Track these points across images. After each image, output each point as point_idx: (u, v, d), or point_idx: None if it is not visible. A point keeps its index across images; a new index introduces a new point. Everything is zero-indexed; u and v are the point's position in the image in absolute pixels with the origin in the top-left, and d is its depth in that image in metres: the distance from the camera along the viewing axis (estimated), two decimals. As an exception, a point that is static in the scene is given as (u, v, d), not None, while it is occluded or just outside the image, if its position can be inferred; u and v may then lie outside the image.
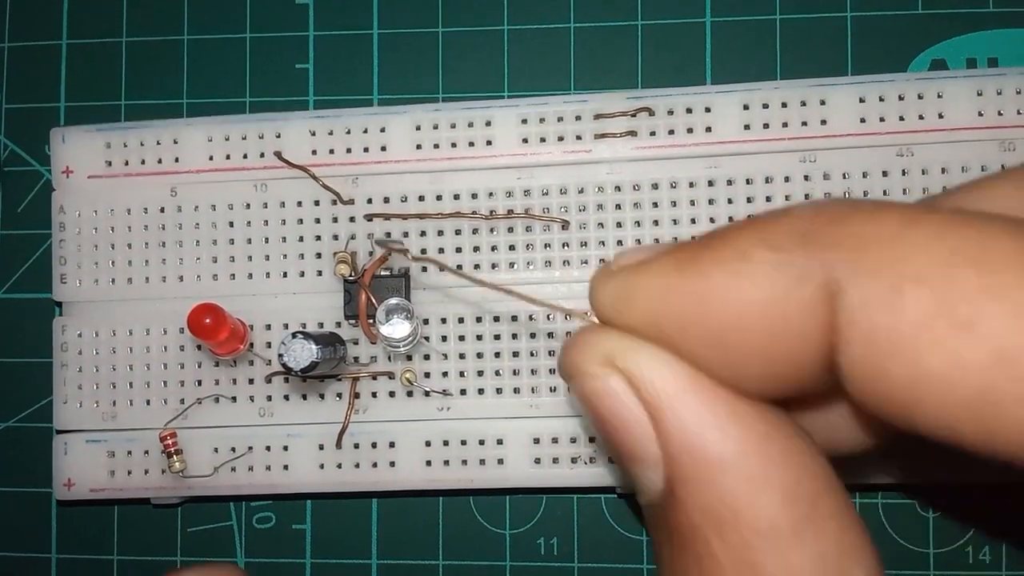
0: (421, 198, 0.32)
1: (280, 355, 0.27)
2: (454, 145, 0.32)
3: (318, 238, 0.32)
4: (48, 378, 0.34)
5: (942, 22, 0.34)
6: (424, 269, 0.32)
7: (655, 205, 0.31)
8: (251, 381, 0.32)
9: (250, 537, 0.35)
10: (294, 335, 0.27)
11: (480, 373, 0.32)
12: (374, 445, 0.32)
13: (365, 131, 0.32)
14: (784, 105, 0.31)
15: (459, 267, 0.32)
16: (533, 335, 0.32)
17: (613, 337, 0.20)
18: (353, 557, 0.35)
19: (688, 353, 0.19)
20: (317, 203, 0.32)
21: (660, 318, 0.19)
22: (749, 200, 0.31)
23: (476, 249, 0.32)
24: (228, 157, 0.33)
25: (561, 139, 0.32)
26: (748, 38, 0.35)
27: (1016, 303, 0.15)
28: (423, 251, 0.32)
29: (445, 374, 0.32)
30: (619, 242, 0.31)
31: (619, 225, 0.31)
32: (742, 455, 0.18)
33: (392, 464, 0.32)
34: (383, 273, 0.32)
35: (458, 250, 0.32)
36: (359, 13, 0.36)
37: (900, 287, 0.16)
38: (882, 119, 0.31)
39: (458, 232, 0.32)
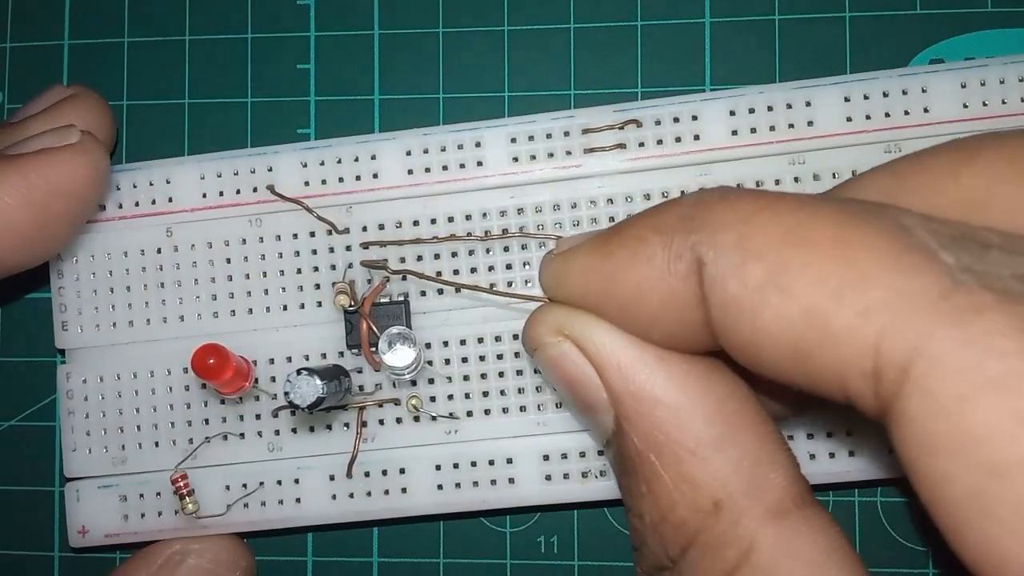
0: (416, 223, 0.32)
1: (286, 393, 0.27)
2: (445, 168, 0.32)
3: (316, 269, 0.32)
4: (50, 379, 0.34)
5: (941, 22, 0.34)
6: (423, 293, 0.32)
7: (649, 216, 0.32)
8: (258, 416, 0.32)
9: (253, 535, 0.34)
10: (299, 372, 0.27)
11: (485, 394, 0.32)
12: (384, 472, 0.32)
13: (356, 160, 0.32)
14: (770, 108, 0.31)
15: (457, 290, 0.32)
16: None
17: (560, 312, 0.24)
18: (355, 555, 0.35)
19: (609, 320, 0.23)
20: (313, 234, 0.32)
21: (586, 292, 0.24)
22: (742, 205, 0.31)
23: (473, 270, 0.32)
24: (221, 194, 0.33)
25: (551, 155, 0.32)
26: (747, 38, 0.35)
27: (821, 273, 0.19)
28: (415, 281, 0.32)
29: (451, 397, 0.32)
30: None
31: (614, 238, 0.31)
32: (667, 389, 0.23)
33: (404, 490, 0.32)
34: (382, 300, 0.32)
35: (455, 272, 0.32)
36: (360, 13, 0.36)
37: (744, 261, 0.20)
38: (868, 117, 0.31)
39: (454, 254, 0.32)
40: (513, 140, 0.32)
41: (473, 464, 0.32)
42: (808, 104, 0.31)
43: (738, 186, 0.31)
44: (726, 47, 0.35)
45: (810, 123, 0.31)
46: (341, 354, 0.32)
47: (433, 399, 0.32)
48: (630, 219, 0.23)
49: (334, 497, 0.32)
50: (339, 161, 0.32)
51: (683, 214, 0.21)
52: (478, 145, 0.32)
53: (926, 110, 0.31)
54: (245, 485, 0.32)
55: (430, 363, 0.32)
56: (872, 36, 0.34)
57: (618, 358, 0.23)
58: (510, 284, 0.32)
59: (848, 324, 0.18)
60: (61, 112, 0.32)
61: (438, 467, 0.32)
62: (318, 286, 0.32)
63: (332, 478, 0.32)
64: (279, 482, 0.32)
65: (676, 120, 0.32)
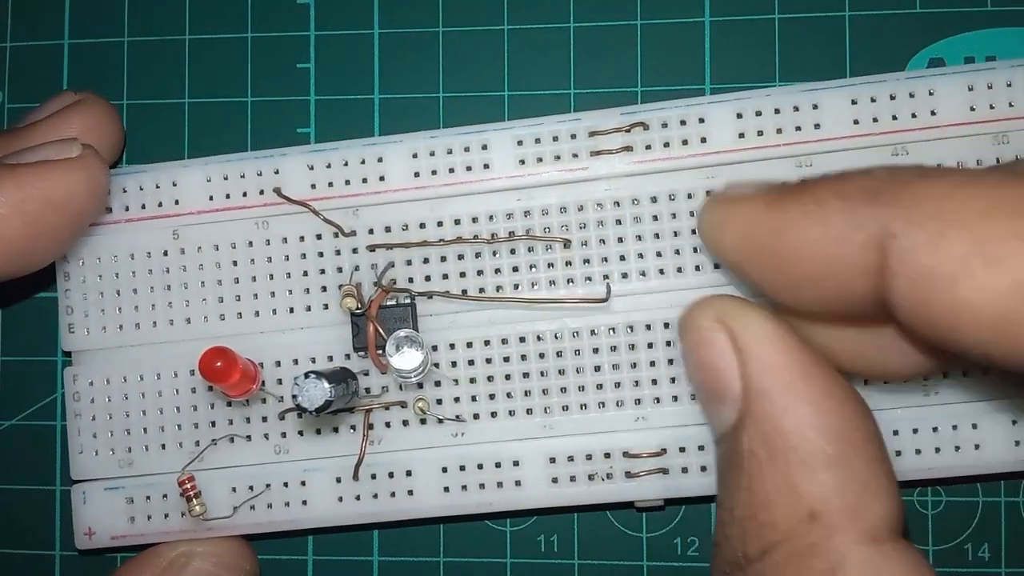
0: (422, 225, 0.32)
1: (294, 396, 0.27)
2: (452, 171, 0.32)
3: (322, 272, 0.32)
4: (52, 378, 0.34)
5: (940, 21, 0.34)
6: (429, 297, 0.32)
7: (655, 218, 0.32)
8: (264, 419, 0.32)
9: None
10: (306, 375, 0.27)
11: (492, 396, 0.32)
12: (391, 475, 0.32)
13: (363, 162, 0.32)
14: (777, 111, 0.31)
15: (464, 291, 0.32)
16: (542, 355, 0.32)
17: (727, 302, 0.26)
18: (355, 554, 0.35)
19: (760, 275, 0.24)
20: (319, 237, 0.32)
21: (747, 241, 0.24)
22: (748, 208, 0.31)
23: (480, 273, 0.32)
24: (228, 196, 0.33)
25: (558, 158, 0.32)
26: (747, 38, 0.35)
27: None
28: (427, 278, 0.32)
29: (457, 400, 0.32)
30: (621, 257, 0.31)
31: (620, 240, 0.32)
32: (802, 400, 0.23)
33: (410, 493, 0.32)
34: (389, 303, 0.32)
35: (462, 275, 0.32)
36: (360, 13, 0.36)
37: (944, 232, 0.19)
38: (875, 120, 0.31)
39: (461, 257, 0.32)
40: (519, 143, 0.32)
41: (480, 466, 0.32)
42: (815, 107, 0.31)
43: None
44: (726, 46, 0.35)
45: (817, 126, 0.31)
46: (348, 357, 0.32)
47: (440, 401, 0.32)
48: (807, 181, 0.24)
49: (340, 499, 0.32)
50: (345, 164, 0.32)
51: (871, 187, 0.22)
52: (484, 148, 0.32)
53: (933, 113, 0.31)
54: (252, 487, 0.32)
55: (437, 366, 0.32)
56: (872, 35, 0.34)
57: (768, 356, 0.24)
58: (516, 287, 0.32)
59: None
60: (67, 119, 0.32)
61: (444, 469, 0.32)
62: (324, 289, 0.32)
63: (339, 480, 0.32)
64: (285, 484, 0.32)
65: (683, 123, 0.32)
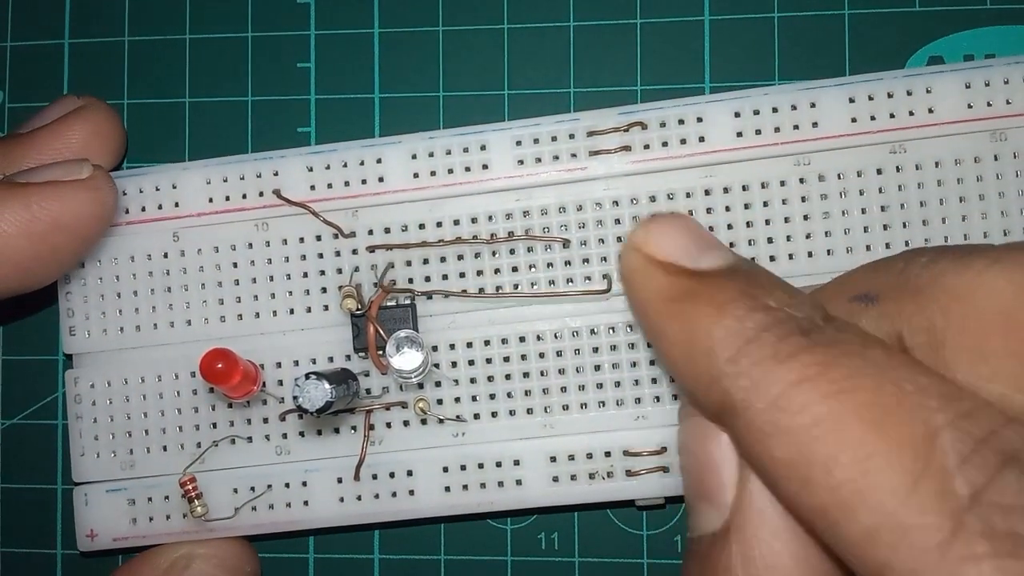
0: (421, 226, 0.32)
1: (295, 397, 0.27)
2: (451, 171, 0.32)
3: (322, 273, 0.32)
4: (52, 378, 0.34)
5: (940, 19, 0.34)
6: (429, 297, 0.32)
7: (654, 218, 0.32)
8: (265, 420, 0.32)
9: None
10: (307, 376, 0.27)
11: (492, 396, 0.32)
12: (392, 475, 0.32)
13: (362, 163, 0.32)
14: (775, 110, 0.31)
15: (464, 291, 0.32)
16: (542, 355, 0.32)
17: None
18: (356, 552, 0.35)
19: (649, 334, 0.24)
20: (319, 238, 0.32)
21: (643, 304, 0.24)
22: (747, 206, 0.31)
23: (479, 273, 0.32)
24: (228, 198, 0.33)
25: (556, 158, 0.32)
26: (747, 36, 0.35)
27: (842, 465, 0.19)
28: (426, 278, 0.32)
29: (458, 400, 0.32)
30: (621, 257, 0.31)
31: (620, 240, 0.32)
32: (791, 542, 0.21)
33: (411, 492, 0.32)
34: (389, 304, 0.32)
35: (461, 275, 0.32)
36: (360, 12, 0.36)
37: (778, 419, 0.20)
38: (873, 118, 0.31)
39: (460, 258, 0.32)
40: (518, 143, 0.32)
41: (480, 466, 0.32)
42: (813, 105, 0.31)
43: (743, 188, 0.31)
44: (725, 44, 0.35)
45: (815, 124, 0.31)
46: (348, 358, 0.32)
47: (440, 402, 0.32)
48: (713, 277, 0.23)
49: (342, 500, 0.32)
50: (345, 165, 0.32)
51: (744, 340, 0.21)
52: (483, 148, 0.32)
53: (931, 110, 0.31)
54: (253, 488, 0.32)
55: (437, 366, 0.32)
56: (871, 33, 0.34)
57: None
58: (516, 287, 0.32)
59: (855, 541, 0.18)
60: (70, 125, 0.32)
61: (445, 469, 0.32)
62: (324, 290, 0.32)
63: (340, 481, 0.32)
64: (287, 485, 0.32)
65: (681, 122, 0.32)
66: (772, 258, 0.31)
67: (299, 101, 0.36)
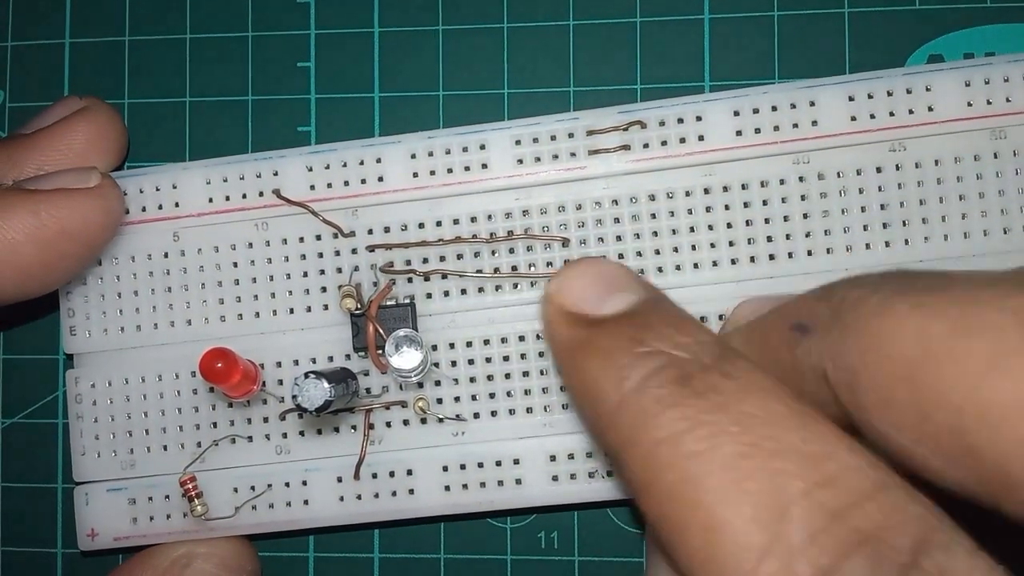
0: (421, 225, 0.32)
1: (294, 396, 0.27)
2: (450, 171, 0.32)
3: (322, 272, 0.32)
4: (53, 377, 0.35)
5: (939, 17, 0.34)
6: (429, 296, 0.32)
7: (653, 216, 0.32)
8: (265, 420, 0.33)
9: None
10: (306, 375, 0.27)
11: (492, 395, 0.32)
12: (392, 474, 0.32)
13: (361, 163, 0.32)
14: (774, 109, 0.31)
15: (463, 291, 0.32)
16: (541, 354, 0.32)
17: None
18: (356, 551, 0.35)
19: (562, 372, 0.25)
20: (319, 238, 0.33)
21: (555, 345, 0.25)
22: (746, 205, 0.31)
23: (479, 272, 0.32)
24: (228, 198, 0.33)
25: (556, 157, 0.32)
26: (746, 35, 0.35)
27: None
28: (426, 278, 0.32)
29: (457, 399, 0.32)
30: (620, 255, 0.32)
31: (619, 239, 0.32)
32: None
33: (411, 492, 0.32)
34: (389, 303, 0.32)
35: (459, 276, 0.32)
36: (360, 11, 0.36)
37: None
38: (872, 116, 0.31)
39: (460, 257, 0.32)
40: (517, 142, 0.32)
41: (480, 465, 0.32)
42: (812, 104, 0.31)
43: (743, 187, 0.31)
44: (725, 43, 0.35)
45: (814, 123, 0.31)
46: (348, 357, 0.32)
47: (440, 401, 0.32)
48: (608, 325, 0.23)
49: (342, 499, 0.32)
50: (344, 165, 0.32)
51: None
52: (482, 147, 0.32)
53: (930, 108, 0.31)
54: (253, 487, 0.32)
55: (437, 365, 0.32)
56: (871, 32, 0.34)
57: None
58: (515, 286, 0.32)
59: None
60: (73, 126, 0.32)
61: (445, 468, 0.32)
62: (324, 289, 0.32)
63: (340, 480, 0.32)
64: (287, 484, 0.32)
65: (680, 121, 0.32)
66: (771, 257, 0.31)
67: (299, 100, 0.36)
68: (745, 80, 0.34)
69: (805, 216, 0.31)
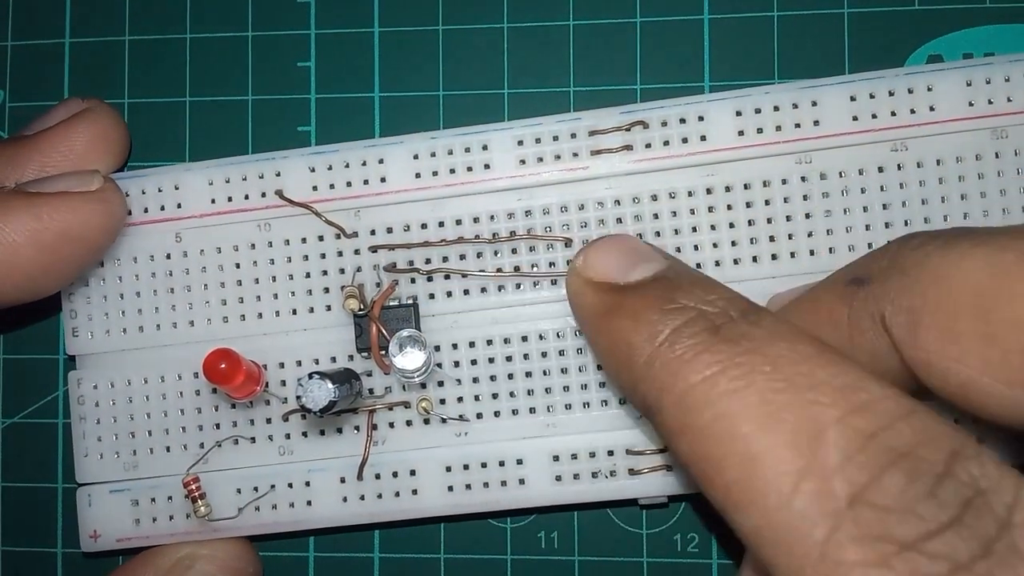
0: (424, 226, 0.32)
1: (298, 396, 0.27)
2: (453, 171, 0.32)
3: (324, 273, 0.32)
4: (53, 376, 0.35)
5: (939, 17, 0.34)
6: (432, 296, 0.32)
7: (655, 216, 0.32)
8: (268, 420, 0.33)
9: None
10: (310, 376, 0.27)
11: (495, 396, 0.32)
12: (395, 475, 0.32)
13: (364, 164, 0.32)
14: (776, 108, 0.31)
15: (466, 292, 0.32)
16: (544, 354, 0.32)
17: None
18: (356, 551, 0.35)
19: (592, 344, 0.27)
20: (321, 238, 0.33)
21: (584, 316, 0.27)
22: (748, 205, 0.31)
23: (482, 272, 0.32)
24: (230, 199, 0.33)
25: (558, 158, 0.32)
26: (746, 35, 0.35)
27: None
28: (428, 278, 0.32)
29: (460, 399, 0.32)
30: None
31: (621, 239, 0.32)
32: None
33: (414, 492, 0.32)
34: (392, 303, 0.32)
35: (464, 276, 0.32)
36: (360, 11, 0.36)
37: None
38: (874, 116, 0.31)
39: (462, 257, 0.32)
40: (520, 143, 0.32)
41: (483, 465, 0.32)
42: (814, 104, 0.31)
43: (745, 187, 0.31)
44: (725, 43, 0.35)
45: (816, 123, 0.31)
46: (351, 357, 0.32)
47: (443, 401, 0.32)
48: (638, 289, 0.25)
49: (345, 500, 0.32)
50: (347, 165, 0.32)
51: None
52: (485, 148, 0.32)
53: (932, 108, 0.31)
54: (256, 488, 0.32)
55: (440, 366, 0.32)
56: (871, 32, 0.34)
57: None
58: (518, 286, 0.32)
59: (748, 538, 0.19)
60: (74, 127, 0.32)
61: (448, 469, 0.32)
62: (327, 290, 0.32)
63: (343, 480, 0.32)
64: (290, 485, 0.32)
65: (682, 121, 0.32)
66: (774, 256, 0.31)
67: (299, 100, 0.36)
68: (745, 80, 0.34)
69: (807, 216, 0.31)
